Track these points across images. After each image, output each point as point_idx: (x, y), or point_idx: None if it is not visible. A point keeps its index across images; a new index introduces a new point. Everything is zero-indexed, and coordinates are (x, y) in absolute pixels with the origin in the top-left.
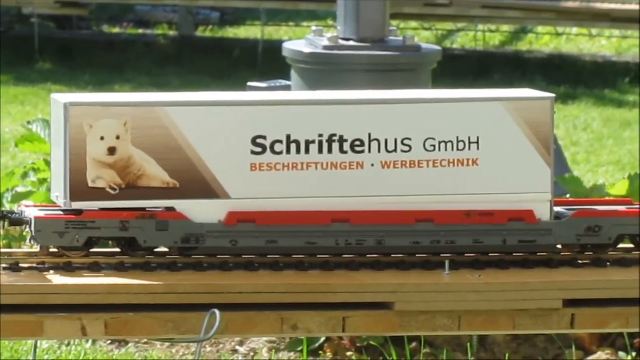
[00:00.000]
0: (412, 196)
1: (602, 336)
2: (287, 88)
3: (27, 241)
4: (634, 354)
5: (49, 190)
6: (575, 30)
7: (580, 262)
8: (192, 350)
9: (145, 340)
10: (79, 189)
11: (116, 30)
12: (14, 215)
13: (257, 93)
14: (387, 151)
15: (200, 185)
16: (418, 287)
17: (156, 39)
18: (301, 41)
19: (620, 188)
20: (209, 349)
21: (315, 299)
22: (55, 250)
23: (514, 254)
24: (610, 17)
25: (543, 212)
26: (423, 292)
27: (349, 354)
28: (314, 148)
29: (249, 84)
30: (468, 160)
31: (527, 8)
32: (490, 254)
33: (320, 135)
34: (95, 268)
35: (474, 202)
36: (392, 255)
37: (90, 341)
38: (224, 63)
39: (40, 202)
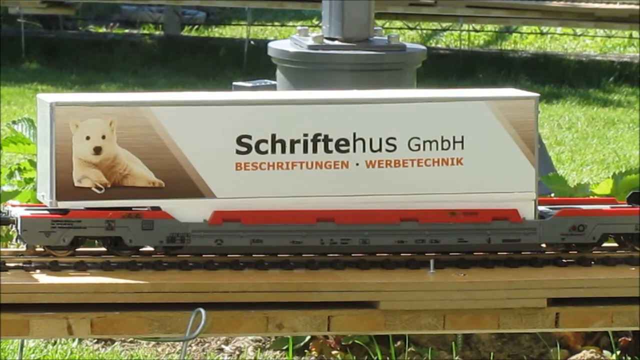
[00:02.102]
0: (396, 195)
1: (586, 335)
2: (273, 87)
3: (13, 240)
4: (618, 352)
5: (34, 189)
6: (559, 29)
7: (564, 261)
8: (177, 349)
9: (131, 339)
10: (64, 188)
11: (102, 30)
12: (0, 214)
13: (243, 92)
14: (372, 150)
15: (185, 185)
16: (403, 286)
17: (142, 39)
18: (286, 41)
19: (604, 187)
20: (194, 347)
21: (300, 297)
22: (41, 249)
23: (499, 253)
24: (594, 17)
25: (527, 211)
26: (408, 291)
27: (334, 352)
28: (299, 147)
29: (235, 83)
30: (452, 159)
31: (511, 7)
32: (475, 253)
33: (305, 135)
34: (81, 267)
35: (458, 201)
36: (377, 254)
37: (76, 340)
38: (210, 63)
39: (26, 202)
